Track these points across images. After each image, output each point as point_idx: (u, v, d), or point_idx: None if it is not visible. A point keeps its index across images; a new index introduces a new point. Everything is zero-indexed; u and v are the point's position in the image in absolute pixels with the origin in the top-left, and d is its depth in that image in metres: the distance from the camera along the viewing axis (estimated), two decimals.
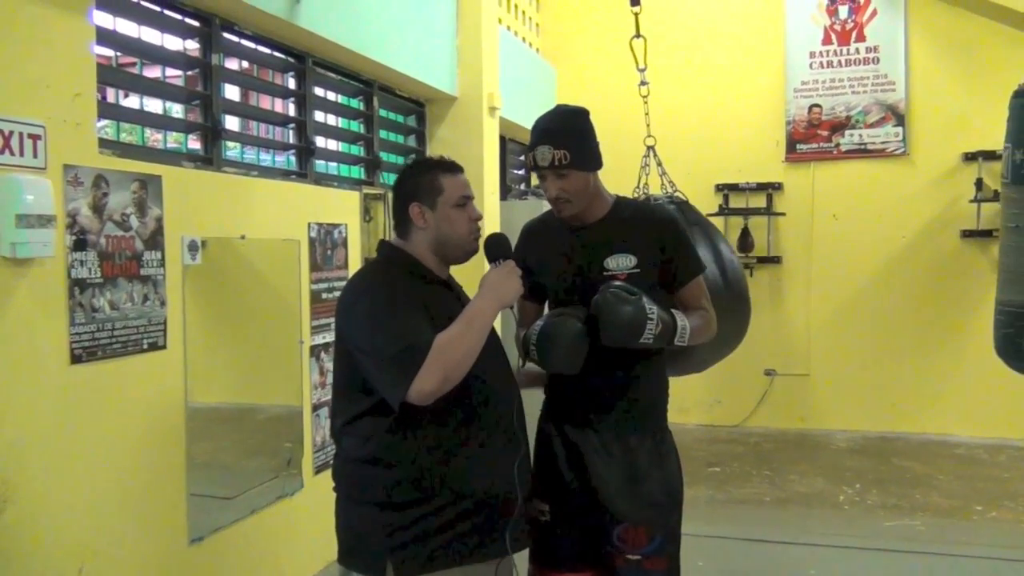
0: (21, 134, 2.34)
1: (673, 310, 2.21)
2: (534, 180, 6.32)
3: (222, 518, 3.24)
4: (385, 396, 1.90)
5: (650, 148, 4.68)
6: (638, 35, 4.37)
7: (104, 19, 2.86)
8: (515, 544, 2.04)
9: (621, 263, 2.24)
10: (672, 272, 2.30)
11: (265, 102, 4.16)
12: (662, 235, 2.30)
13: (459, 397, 1.96)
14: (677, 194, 4.46)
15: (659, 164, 4.65)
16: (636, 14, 4.37)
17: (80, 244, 2.56)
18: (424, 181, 2.09)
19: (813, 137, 6.95)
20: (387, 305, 1.95)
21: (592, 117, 2.29)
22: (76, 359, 2.54)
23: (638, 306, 2.08)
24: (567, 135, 2.20)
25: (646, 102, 4.64)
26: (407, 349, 1.85)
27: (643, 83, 4.61)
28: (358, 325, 1.98)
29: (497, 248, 2.11)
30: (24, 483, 2.37)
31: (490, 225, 5.08)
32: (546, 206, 2.38)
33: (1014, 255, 3.21)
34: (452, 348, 1.88)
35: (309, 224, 3.82)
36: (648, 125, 4.63)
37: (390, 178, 4.95)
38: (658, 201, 4.21)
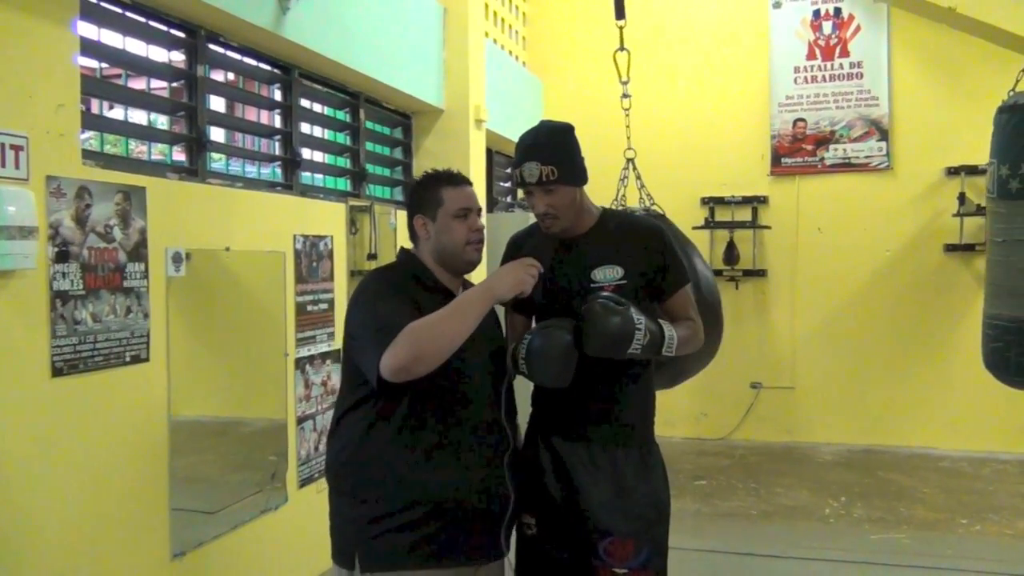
0: (3, 145, 2.32)
1: (660, 320, 2.21)
2: (520, 193, 6.33)
3: (205, 533, 3.21)
4: (367, 376, 1.94)
5: (630, 161, 4.70)
6: (622, 48, 4.39)
7: (89, 30, 2.85)
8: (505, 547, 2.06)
9: (608, 275, 2.24)
10: (659, 283, 2.30)
11: (251, 114, 4.14)
12: (648, 246, 2.30)
13: (441, 397, 1.98)
14: (654, 207, 4.48)
15: (638, 177, 4.67)
16: (621, 27, 4.39)
17: (62, 256, 2.53)
18: (427, 194, 2.15)
19: (798, 151, 6.99)
20: (378, 298, 2.02)
21: (578, 130, 2.29)
22: (57, 372, 2.52)
23: (626, 316, 2.08)
24: (554, 151, 2.20)
25: (628, 115, 4.66)
26: (383, 327, 1.90)
27: (625, 95, 4.63)
28: (352, 317, 2.07)
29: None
30: (3, 497, 2.34)
31: None
32: (532, 219, 2.37)
33: (1001, 269, 3.22)
34: (428, 328, 1.90)
35: (294, 236, 3.80)
36: (628, 138, 4.65)
37: (376, 190, 4.95)
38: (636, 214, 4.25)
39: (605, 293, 2.17)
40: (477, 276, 2.21)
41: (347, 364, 2.11)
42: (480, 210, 2.21)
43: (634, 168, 4.70)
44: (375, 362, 1.88)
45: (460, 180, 2.18)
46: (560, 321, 2.16)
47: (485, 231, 2.21)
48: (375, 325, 1.93)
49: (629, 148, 4.63)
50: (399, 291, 2.04)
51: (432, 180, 2.18)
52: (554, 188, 2.18)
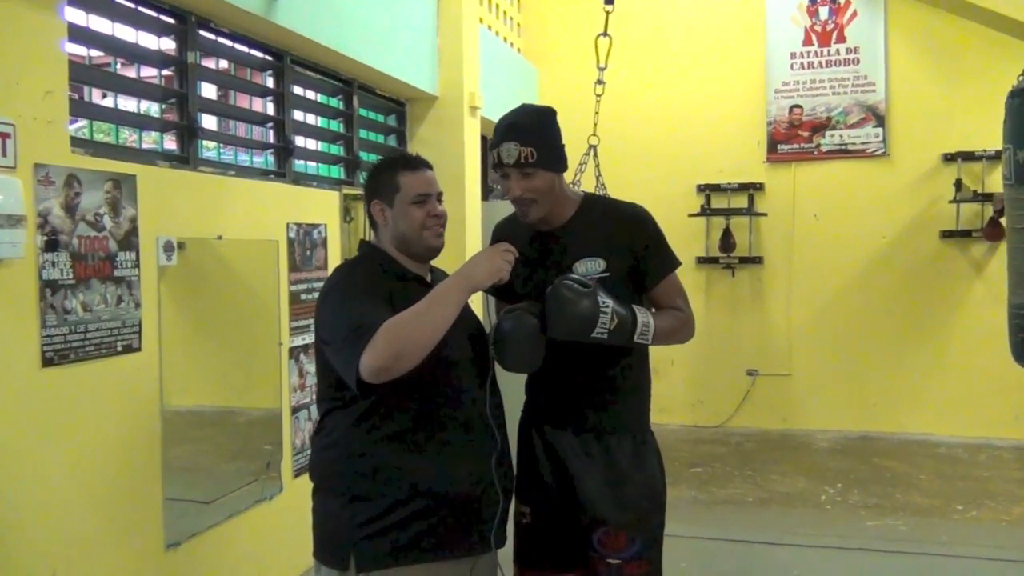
0: None
1: (636, 307, 2.14)
2: None
3: (199, 523, 3.20)
4: (345, 380, 1.87)
5: (592, 147, 4.64)
6: (604, 33, 4.33)
7: (77, 16, 2.81)
8: (498, 541, 2.03)
9: (590, 267, 2.18)
10: (642, 270, 2.24)
11: (243, 101, 4.11)
12: (631, 233, 2.24)
13: (426, 391, 1.94)
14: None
15: (596, 166, 4.62)
16: (608, 12, 4.33)
17: (51, 245, 2.51)
18: (384, 179, 2.10)
19: (794, 138, 6.97)
20: (349, 297, 1.95)
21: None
22: (48, 362, 2.49)
23: (592, 299, 2.02)
24: (534, 133, 2.14)
25: (599, 100, 4.59)
26: (357, 328, 1.83)
27: (600, 82, 4.58)
28: (323, 318, 2.01)
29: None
30: None
31: (471, 225, 5.06)
32: None
33: (1023, 256, 3.13)
34: (406, 323, 1.83)
35: (288, 224, 3.78)
36: (595, 124, 4.58)
37: None
38: None
39: (573, 275, 2.11)
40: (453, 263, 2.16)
41: (323, 365, 2.03)
42: (441, 194, 2.14)
43: (595, 155, 4.65)
44: (354, 365, 1.80)
45: (418, 164, 2.12)
46: (529, 304, 2.11)
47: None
48: (349, 326, 1.85)
49: (593, 135, 4.55)
50: (370, 286, 1.97)
51: (389, 165, 2.12)
52: (532, 172, 2.12)
